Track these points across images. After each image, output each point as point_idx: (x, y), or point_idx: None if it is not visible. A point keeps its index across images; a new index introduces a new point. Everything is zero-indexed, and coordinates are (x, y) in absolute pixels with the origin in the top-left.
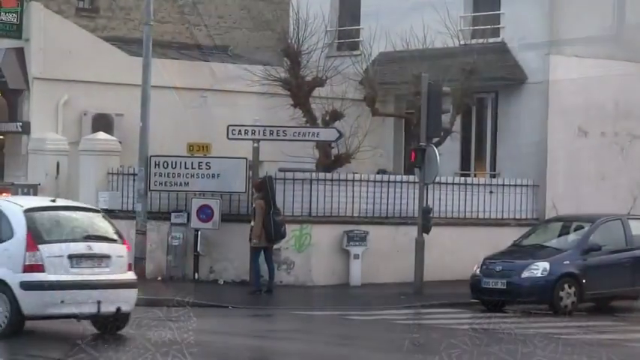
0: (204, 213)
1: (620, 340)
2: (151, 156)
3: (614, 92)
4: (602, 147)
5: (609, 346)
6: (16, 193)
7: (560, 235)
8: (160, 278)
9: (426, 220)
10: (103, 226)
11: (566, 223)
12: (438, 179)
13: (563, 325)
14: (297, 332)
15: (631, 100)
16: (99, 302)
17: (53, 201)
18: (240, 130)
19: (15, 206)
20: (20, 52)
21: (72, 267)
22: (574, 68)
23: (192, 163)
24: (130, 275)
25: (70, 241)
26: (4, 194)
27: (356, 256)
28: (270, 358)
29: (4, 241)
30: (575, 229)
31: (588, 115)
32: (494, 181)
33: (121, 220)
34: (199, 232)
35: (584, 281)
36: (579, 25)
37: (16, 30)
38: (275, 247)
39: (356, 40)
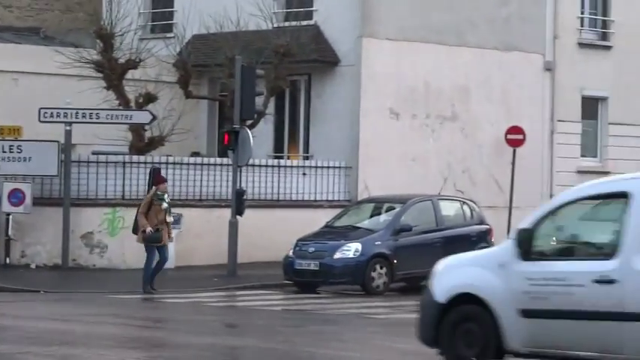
0: (16, 197)
1: None
2: None
3: (425, 75)
4: (414, 129)
5: None
6: None
7: (372, 216)
8: None
9: (239, 203)
10: None
11: (378, 204)
12: (251, 161)
13: (374, 305)
14: (109, 316)
15: (441, 83)
16: None
17: None
18: (52, 113)
19: None
20: None
21: None
22: (386, 51)
23: (2, 146)
24: None
25: None
26: None
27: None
28: (80, 342)
29: None
30: (387, 210)
31: (400, 98)
32: (307, 163)
33: None
34: (10, 216)
35: (395, 261)
36: (391, 8)
37: None
38: (88, 230)
39: (169, 22)
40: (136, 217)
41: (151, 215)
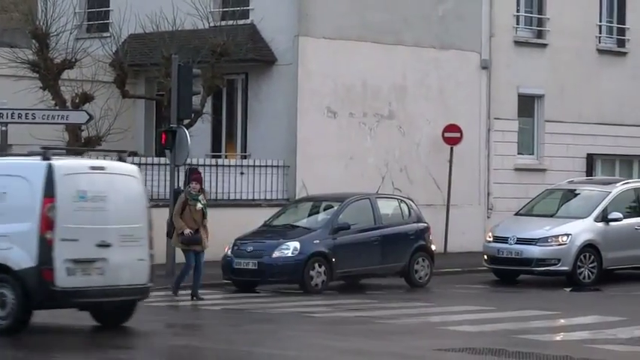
0: None
1: (369, 317)
2: None
3: (362, 73)
4: (351, 127)
5: (358, 323)
6: None
7: (310, 215)
8: None
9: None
10: None
11: (316, 203)
12: (189, 161)
13: (314, 303)
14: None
15: (378, 82)
16: None
17: None
18: None
19: None
20: None
21: None
22: (323, 50)
23: None
24: None
25: None
26: None
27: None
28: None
29: None
30: (325, 209)
31: (337, 96)
32: (245, 162)
33: None
34: None
35: (334, 260)
36: (327, 7)
37: None
38: None
39: (105, 21)
40: (170, 219)
41: (185, 216)
